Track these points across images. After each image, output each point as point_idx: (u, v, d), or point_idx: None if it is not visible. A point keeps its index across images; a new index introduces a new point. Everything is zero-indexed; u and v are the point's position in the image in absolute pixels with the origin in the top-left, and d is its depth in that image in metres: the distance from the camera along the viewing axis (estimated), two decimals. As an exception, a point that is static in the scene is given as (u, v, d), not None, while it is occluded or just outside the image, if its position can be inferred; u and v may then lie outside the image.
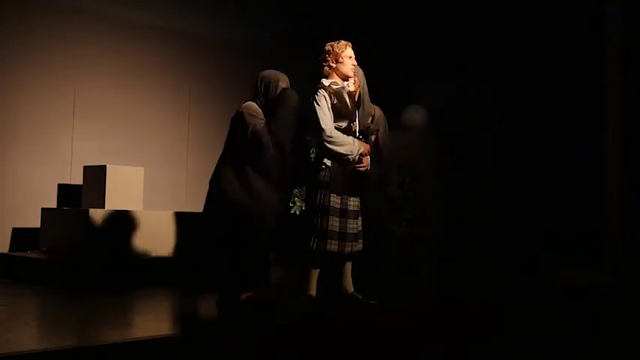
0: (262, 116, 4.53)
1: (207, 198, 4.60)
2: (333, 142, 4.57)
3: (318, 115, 4.58)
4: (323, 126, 4.56)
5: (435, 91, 7.76)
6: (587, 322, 4.72)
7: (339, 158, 4.61)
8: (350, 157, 4.63)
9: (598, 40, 6.80)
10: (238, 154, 4.50)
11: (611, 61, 6.73)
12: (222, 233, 4.46)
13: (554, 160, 7.24)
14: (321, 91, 4.62)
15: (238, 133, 4.52)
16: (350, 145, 4.63)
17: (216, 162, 4.65)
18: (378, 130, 5.07)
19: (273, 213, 4.50)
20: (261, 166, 4.47)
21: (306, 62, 6.91)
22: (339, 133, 4.61)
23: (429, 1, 8.01)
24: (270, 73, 4.68)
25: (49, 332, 3.90)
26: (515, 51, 7.44)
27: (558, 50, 7.21)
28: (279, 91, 4.61)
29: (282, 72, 4.73)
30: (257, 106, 4.57)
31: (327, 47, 4.71)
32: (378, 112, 5.28)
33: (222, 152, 4.61)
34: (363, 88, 4.87)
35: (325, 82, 4.68)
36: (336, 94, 4.64)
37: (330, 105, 4.60)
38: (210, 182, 4.60)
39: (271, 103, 4.58)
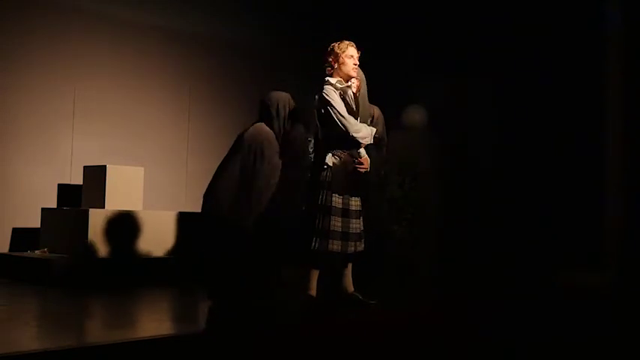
0: (277, 145, 4.62)
1: (204, 212, 4.65)
2: (357, 130, 4.67)
3: (337, 108, 4.64)
4: (345, 116, 4.64)
5: (435, 91, 7.76)
6: (587, 322, 4.73)
7: (357, 144, 4.71)
8: (367, 139, 4.73)
9: (598, 40, 6.80)
10: (249, 178, 4.53)
11: (611, 61, 6.73)
12: (216, 241, 4.51)
13: (554, 160, 7.23)
14: (329, 87, 4.67)
15: (253, 159, 4.54)
16: (365, 130, 4.74)
17: (214, 176, 4.66)
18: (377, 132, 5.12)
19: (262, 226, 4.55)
20: (265, 189, 4.52)
21: (305, 62, 6.92)
22: (355, 120, 4.70)
23: (428, 1, 8.01)
24: (277, 96, 4.74)
25: (49, 332, 3.90)
26: (515, 51, 7.44)
27: (558, 50, 7.21)
28: (289, 112, 4.72)
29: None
30: (272, 131, 4.64)
31: (330, 48, 4.74)
32: (377, 112, 5.33)
33: (224, 169, 4.62)
34: (362, 89, 4.89)
35: (331, 79, 4.72)
36: (341, 92, 4.69)
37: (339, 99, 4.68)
38: (207, 196, 4.62)
39: (282, 130, 4.66)
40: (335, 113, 4.62)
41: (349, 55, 4.71)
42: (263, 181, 4.52)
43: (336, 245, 4.56)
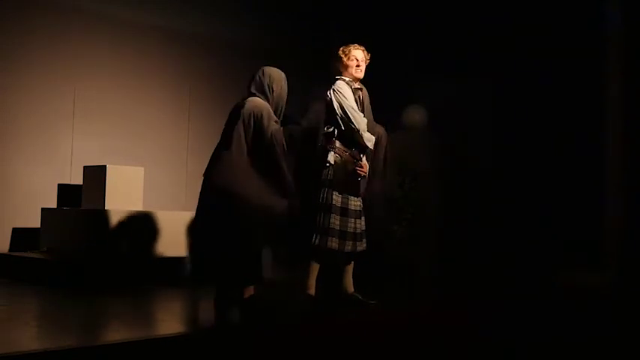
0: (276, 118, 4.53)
1: (205, 191, 4.52)
2: (364, 128, 4.70)
3: (349, 101, 4.66)
4: (357, 110, 4.67)
5: (435, 91, 7.76)
6: (587, 322, 4.73)
7: (361, 146, 4.73)
8: (370, 144, 4.75)
9: (598, 40, 6.80)
10: (253, 152, 4.44)
11: (611, 61, 6.73)
12: (224, 229, 4.39)
13: (554, 160, 7.23)
14: (341, 82, 4.73)
15: (253, 131, 4.44)
16: (369, 134, 4.77)
17: (215, 155, 4.60)
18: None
19: (280, 214, 4.46)
20: (273, 168, 4.44)
21: (306, 62, 6.91)
22: (364, 119, 4.71)
23: (428, 1, 8.01)
24: (270, 71, 4.66)
25: (49, 332, 3.89)
26: (515, 51, 7.43)
27: (558, 50, 7.20)
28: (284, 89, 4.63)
29: (281, 71, 4.73)
30: (268, 104, 4.54)
31: (335, 52, 4.82)
32: (382, 130, 5.40)
33: (225, 147, 4.50)
34: (366, 102, 4.91)
35: (344, 77, 4.78)
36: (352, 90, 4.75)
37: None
38: (211, 176, 4.52)
39: (274, 106, 4.57)
40: (346, 106, 4.64)
41: (352, 57, 4.75)
42: (254, 148, 4.42)
43: (334, 243, 4.58)
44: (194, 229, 4.88)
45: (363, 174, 4.76)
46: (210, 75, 7.99)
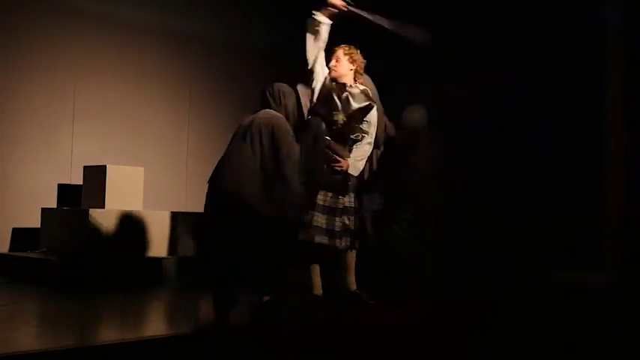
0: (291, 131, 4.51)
1: (214, 201, 4.49)
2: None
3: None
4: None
5: (435, 91, 7.75)
6: (586, 322, 4.73)
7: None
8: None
9: (598, 40, 6.80)
10: (265, 163, 4.40)
11: (611, 61, 6.73)
12: (239, 239, 4.37)
13: (554, 160, 7.23)
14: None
15: (269, 142, 4.40)
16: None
17: (226, 165, 4.54)
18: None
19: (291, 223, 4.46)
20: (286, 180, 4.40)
21: (306, 62, 6.85)
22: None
23: (428, 1, 8.01)
24: (280, 87, 4.66)
25: (49, 332, 3.90)
26: (515, 51, 7.43)
27: (558, 50, 7.20)
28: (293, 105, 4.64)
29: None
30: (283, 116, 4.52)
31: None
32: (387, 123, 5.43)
33: (236, 156, 4.43)
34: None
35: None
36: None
37: None
38: (221, 186, 4.48)
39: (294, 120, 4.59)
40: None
41: (335, 57, 4.93)
42: (270, 162, 4.39)
43: (324, 239, 4.57)
44: (205, 239, 4.83)
45: (339, 169, 4.74)
46: (210, 75, 8.00)
